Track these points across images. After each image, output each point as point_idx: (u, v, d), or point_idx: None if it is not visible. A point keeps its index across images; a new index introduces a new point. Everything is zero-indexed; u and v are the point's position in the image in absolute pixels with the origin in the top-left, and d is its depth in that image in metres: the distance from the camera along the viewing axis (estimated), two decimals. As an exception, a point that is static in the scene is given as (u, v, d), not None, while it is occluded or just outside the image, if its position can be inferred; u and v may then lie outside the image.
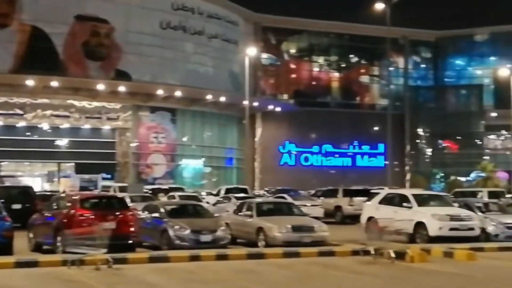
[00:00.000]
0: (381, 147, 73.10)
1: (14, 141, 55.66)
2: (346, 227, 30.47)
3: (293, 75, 78.14)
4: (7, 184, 43.45)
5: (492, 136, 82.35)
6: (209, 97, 61.23)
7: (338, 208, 35.44)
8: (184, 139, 64.11)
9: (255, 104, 63.74)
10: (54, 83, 52.89)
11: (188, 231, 19.50)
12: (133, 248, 19.01)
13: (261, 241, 20.81)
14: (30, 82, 52.06)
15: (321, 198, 37.55)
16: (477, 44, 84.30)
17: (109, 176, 58.67)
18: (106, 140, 60.22)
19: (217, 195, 40.45)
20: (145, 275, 15.13)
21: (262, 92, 74.26)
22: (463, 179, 72.27)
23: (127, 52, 58.52)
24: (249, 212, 22.37)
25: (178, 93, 58.97)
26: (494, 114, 76.99)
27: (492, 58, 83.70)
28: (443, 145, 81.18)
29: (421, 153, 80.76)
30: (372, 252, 17.86)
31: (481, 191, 39.04)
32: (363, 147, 76.12)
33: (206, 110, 64.64)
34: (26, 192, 30.46)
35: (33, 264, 16.22)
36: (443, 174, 78.75)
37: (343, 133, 73.66)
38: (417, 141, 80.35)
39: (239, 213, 23.09)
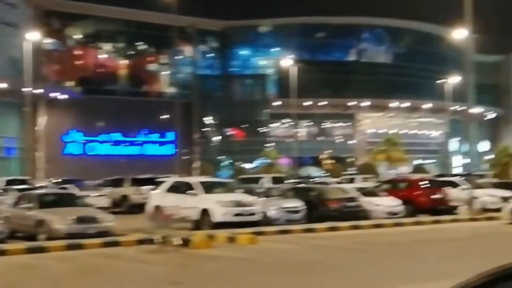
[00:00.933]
0: (170, 136, 73.40)
1: None
2: (133, 216, 30.11)
3: (79, 62, 75.76)
4: None
5: (275, 124, 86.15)
6: (-14, 83, 57.37)
7: (125, 197, 34.98)
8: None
9: (38, 91, 60.81)
10: None
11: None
12: None
13: (42, 234, 19.86)
14: None
15: (108, 188, 36.76)
16: (261, 35, 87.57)
17: None
18: None
19: (-4, 187, 37.98)
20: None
21: (46, 78, 71.07)
22: (249, 166, 74.89)
23: None
24: (29, 205, 21.27)
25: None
26: (277, 103, 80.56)
27: (275, 48, 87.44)
28: (230, 133, 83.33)
29: (209, 141, 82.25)
30: (158, 240, 17.77)
31: (264, 177, 40.65)
32: (152, 135, 75.88)
33: (-17, 97, 60.58)
34: None
35: None
36: (230, 161, 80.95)
37: (132, 122, 72.86)
38: (205, 129, 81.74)
39: (19, 206, 21.86)
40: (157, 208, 22.79)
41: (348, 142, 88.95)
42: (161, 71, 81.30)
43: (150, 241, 18.11)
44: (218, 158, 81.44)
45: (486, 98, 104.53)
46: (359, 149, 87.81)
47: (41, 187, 37.69)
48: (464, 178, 34.69)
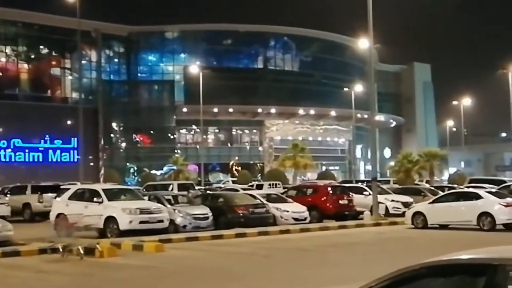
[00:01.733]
0: (74, 142, 71.61)
1: None
2: (35, 225, 29.31)
3: (-23, 65, 72.89)
4: None
5: (183, 131, 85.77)
6: None
7: (26, 205, 33.85)
8: None
9: None
10: None
11: None
12: None
13: None
14: None
15: (8, 195, 35.45)
16: (168, 41, 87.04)
17: None
18: None
19: None
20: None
21: None
22: (156, 172, 74.15)
23: None
24: None
25: None
26: (184, 109, 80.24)
27: (182, 55, 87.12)
28: (137, 139, 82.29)
29: (115, 147, 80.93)
30: (61, 249, 17.29)
31: (171, 184, 40.34)
32: (55, 141, 73.71)
33: None
34: None
35: None
36: (137, 168, 79.89)
37: (34, 127, 70.56)
38: (111, 135, 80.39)
39: None
40: (60, 216, 22.13)
41: (256, 149, 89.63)
42: (64, 76, 79.29)
43: (53, 250, 17.58)
44: (125, 164, 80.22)
45: (389, 106, 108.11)
46: (266, 156, 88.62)
47: None
48: (368, 184, 35.55)
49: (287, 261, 16.46)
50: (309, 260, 16.56)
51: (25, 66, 75.86)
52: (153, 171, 74.62)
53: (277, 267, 15.39)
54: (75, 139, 68.90)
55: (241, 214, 25.43)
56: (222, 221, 25.01)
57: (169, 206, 24.31)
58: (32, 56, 76.75)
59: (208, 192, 33.39)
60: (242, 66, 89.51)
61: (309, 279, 13.13)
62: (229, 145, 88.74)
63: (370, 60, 34.87)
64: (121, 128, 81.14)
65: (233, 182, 63.63)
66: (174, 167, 67.77)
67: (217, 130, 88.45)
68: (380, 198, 30.05)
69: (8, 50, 75.02)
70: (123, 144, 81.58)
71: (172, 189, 37.11)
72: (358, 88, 75.41)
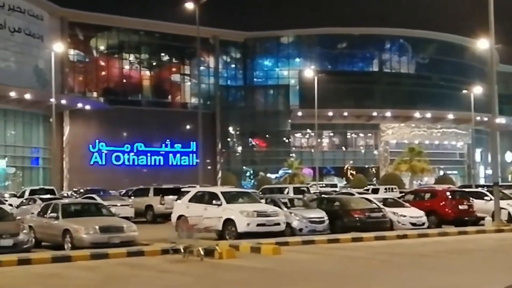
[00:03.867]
0: (193, 146, 73.73)
1: None
2: (157, 226, 30.25)
3: (103, 73, 76.49)
4: None
5: (298, 134, 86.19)
6: (12, 94, 58.11)
7: (149, 207, 35.07)
8: (-15, 138, 60.41)
9: (63, 101, 61.60)
10: None
11: (-15, 236, 18.28)
12: None
13: (67, 243, 20.02)
14: None
15: (132, 197, 36.96)
16: (283, 46, 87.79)
17: None
18: None
19: (21, 197, 38.46)
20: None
21: (70, 89, 71.89)
22: (271, 176, 74.91)
23: None
24: (54, 214, 21.44)
25: (-23, 90, 55.40)
26: (299, 113, 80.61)
27: (297, 59, 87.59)
28: (253, 143, 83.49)
29: (232, 151, 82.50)
30: (182, 250, 17.80)
31: (287, 187, 40.59)
32: (175, 145, 76.29)
33: (9, 108, 61.36)
34: None
35: None
36: (253, 172, 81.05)
37: (155, 132, 73.31)
38: (228, 139, 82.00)
39: (44, 215, 22.06)
40: (181, 218, 22.84)
41: (371, 153, 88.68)
42: (184, 82, 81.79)
43: (175, 251, 18.13)
44: (241, 168, 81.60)
45: (509, 109, 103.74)
46: (382, 160, 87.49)
47: (65, 197, 38.10)
48: (488, 189, 34.36)
49: (405, 267, 16.24)
50: (428, 266, 16.26)
51: (147, 73, 78.86)
52: (268, 175, 75.44)
53: (394, 272, 15.24)
54: (194, 143, 70.90)
55: (357, 218, 25.27)
56: (338, 225, 24.95)
57: (285, 209, 24.52)
58: (154, 63, 79.68)
59: (323, 195, 33.40)
60: (357, 69, 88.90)
61: (428, 285, 12.93)
62: (343, 149, 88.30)
63: (491, 61, 33.59)
64: (238, 132, 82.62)
65: (348, 186, 63.27)
66: (289, 171, 68.26)
67: (331, 134, 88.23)
68: (503, 203, 28.96)
69: (131, 58, 78.29)
70: (239, 148, 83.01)
71: (287, 193, 37.37)
72: (477, 90, 72.95)
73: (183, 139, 74.61)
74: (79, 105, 67.38)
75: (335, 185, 63.41)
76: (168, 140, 75.75)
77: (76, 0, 71.90)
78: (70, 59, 72.11)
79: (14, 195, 40.96)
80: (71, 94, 70.50)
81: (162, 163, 75.52)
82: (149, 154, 74.98)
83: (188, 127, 71.78)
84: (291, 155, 78.95)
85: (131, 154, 73.83)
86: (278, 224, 23.08)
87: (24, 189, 42.66)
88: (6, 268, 16.13)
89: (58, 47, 52.27)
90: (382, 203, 27.51)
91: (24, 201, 34.14)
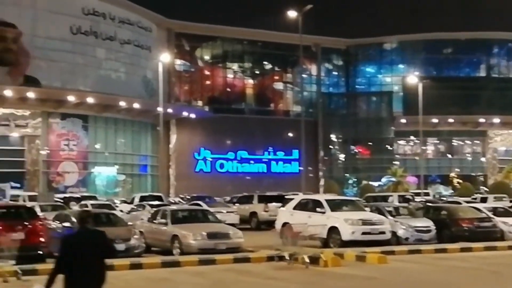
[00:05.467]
0: (295, 153, 73.93)
1: None
2: (261, 233, 30.51)
3: (208, 82, 78.10)
4: None
5: (401, 142, 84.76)
6: (122, 103, 60.34)
7: (253, 214, 35.44)
8: (97, 146, 62.90)
9: (170, 110, 63.30)
10: (-41, 89, 50.89)
11: (100, 241, 19.00)
12: (43, 259, 18.38)
13: (176, 249, 20.57)
14: None
15: (236, 204, 37.51)
16: (386, 52, 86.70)
17: (18, 185, 56.66)
18: (14, 148, 58.35)
19: (131, 203, 39.80)
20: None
21: (177, 98, 73.84)
22: (374, 184, 73.97)
23: (36, 58, 56.96)
24: (163, 220, 22.09)
25: (90, 100, 57.83)
26: (403, 120, 79.31)
27: (400, 65, 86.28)
28: (355, 150, 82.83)
29: (334, 158, 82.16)
30: (287, 257, 17.94)
31: (391, 196, 40.06)
32: (277, 153, 76.82)
33: (119, 117, 63.69)
34: None
35: None
36: (355, 179, 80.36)
37: (258, 140, 74.02)
38: (330, 147, 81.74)
39: (154, 221, 22.77)
40: (286, 225, 23.00)
41: (478, 160, 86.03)
42: (286, 90, 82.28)
43: (280, 258, 18.30)
44: (343, 175, 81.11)
45: None
46: (490, 168, 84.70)
47: (173, 203, 39.17)
48: None
49: (518, 279, 15.73)
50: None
51: (250, 81, 79.87)
52: (371, 182, 74.59)
53: (507, 284, 14.78)
54: (296, 150, 71.13)
55: (465, 228, 24.60)
56: (445, 234, 24.38)
57: (390, 217, 24.24)
58: (257, 72, 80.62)
59: (429, 204, 32.72)
60: (463, 75, 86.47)
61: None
62: (449, 156, 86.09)
63: None
64: (340, 140, 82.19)
65: (454, 194, 61.64)
66: (393, 179, 67.22)
67: (436, 141, 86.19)
68: None
69: (235, 66, 79.59)
70: (342, 155, 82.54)
71: (392, 201, 36.87)
72: None
73: (285, 146, 74.97)
74: (185, 113, 69.03)
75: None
76: (270, 148, 76.39)
77: (182, 12, 73.92)
78: (176, 69, 74.08)
79: (125, 202, 42.42)
80: (177, 103, 72.39)
81: (264, 171, 76.20)
82: (252, 162, 75.86)
83: (290, 134, 72.06)
84: (394, 162, 77.73)
85: (235, 161, 74.95)
86: (383, 232, 22.82)
87: (133, 195, 44.10)
88: (119, 272, 16.70)
89: (165, 57, 53.76)
90: (491, 212, 26.68)
91: (134, 207, 35.33)
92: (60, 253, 7.72)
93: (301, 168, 54.57)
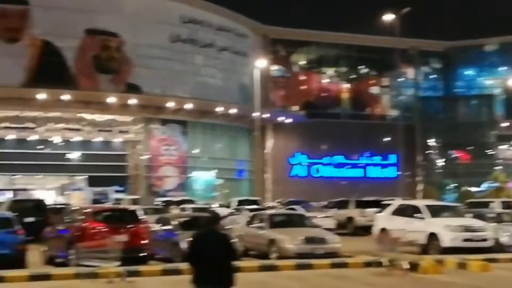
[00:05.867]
0: (392, 158, 72.91)
1: (26, 154, 56.02)
2: (358, 238, 30.35)
3: (303, 87, 78.18)
4: (20, 197, 43.37)
5: (503, 146, 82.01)
6: (219, 109, 61.39)
7: (350, 219, 35.26)
8: (195, 151, 64.19)
9: (266, 115, 63.77)
10: (65, 97, 53.16)
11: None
12: (146, 260, 18.99)
13: (273, 253, 20.75)
14: (41, 96, 52.30)
15: (332, 209, 37.42)
16: (486, 54, 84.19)
17: (121, 188, 58.71)
18: (117, 153, 60.47)
19: (228, 207, 40.41)
20: None
21: (272, 103, 74.31)
22: (475, 189, 71.92)
23: (137, 65, 58.84)
24: (261, 224, 22.33)
25: (188, 106, 59.19)
26: (505, 124, 76.83)
27: (502, 68, 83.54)
28: (455, 155, 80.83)
29: (432, 163, 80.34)
30: (385, 263, 17.76)
31: (493, 202, 38.83)
32: (374, 158, 75.97)
33: (216, 122, 64.76)
34: (38, 205, 30.60)
35: (46, 277, 16.27)
36: (455, 185, 78.37)
37: (354, 144, 73.45)
38: (428, 151, 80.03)
39: (251, 225, 23.05)
40: (383, 231, 22.79)
41: None
42: (382, 94, 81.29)
43: (378, 264, 18.13)
44: (442, 181, 79.24)
45: None
46: None
47: (270, 208, 39.48)
48: None
49: None
50: None
51: (346, 85, 79.42)
52: (471, 188, 72.54)
53: None
54: (393, 155, 70.14)
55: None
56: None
57: (493, 224, 23.56)
58: (352, 76, 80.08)
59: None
60: None
61: None
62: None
63: None
64: (438, 144, 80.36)
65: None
66: (494, 184, 65.13)
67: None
68: None
69: (330, 71, 79.37)
70: (440, 160, 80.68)
71: (494, 207, 35.73)
72: None
73: (381, 151, 74.04)
74: (281, 118, 69.39)
75: None
76: (367, 152, 75.65)
77: (277, 18, 74.50)
78: (272, 74, 74.60)
79: (222, 205, 43.08)
80: (273, 108, 72.87)
81: (361, 175, 75.49)
82: (348, 166, 75.34)
83: (387, 139, 71.11)
84: (496, 167, 75.27)
85: (331, 166, 74.65)
86: (486, 239, 22.23)
87: (231, 199, 44.73)
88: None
89: (261, 63, 54.37)
90: None
91: (231, 211, 35.84)
92: (188, 250, 8.39)
93: (399, 173, 53.86)
